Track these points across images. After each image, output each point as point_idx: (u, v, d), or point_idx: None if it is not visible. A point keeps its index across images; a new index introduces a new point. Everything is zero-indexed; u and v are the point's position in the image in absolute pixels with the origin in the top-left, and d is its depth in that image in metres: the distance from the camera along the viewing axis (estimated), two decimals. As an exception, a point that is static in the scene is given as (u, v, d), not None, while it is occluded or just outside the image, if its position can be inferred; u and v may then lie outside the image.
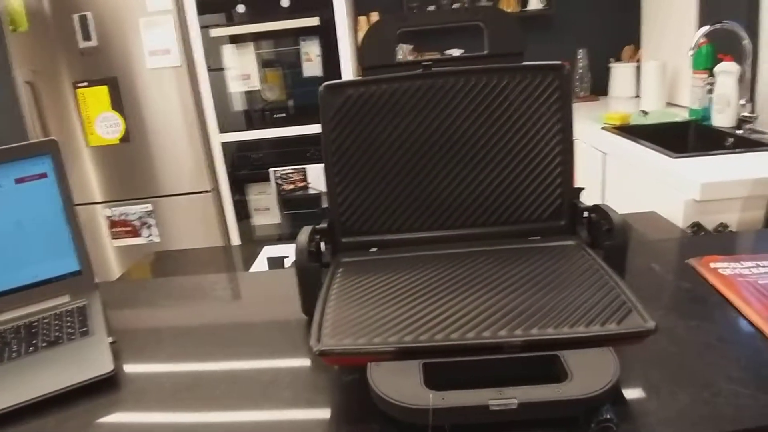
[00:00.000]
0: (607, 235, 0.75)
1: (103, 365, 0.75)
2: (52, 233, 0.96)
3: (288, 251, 1.43)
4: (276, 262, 1.32)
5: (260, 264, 1.40)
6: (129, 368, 0.77)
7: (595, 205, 0.80)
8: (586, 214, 0.83)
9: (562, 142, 0.81)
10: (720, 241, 1.05)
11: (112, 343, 0.80)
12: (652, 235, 1.47)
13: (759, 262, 0.92)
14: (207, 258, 1.61)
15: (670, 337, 0.73)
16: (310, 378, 0.70)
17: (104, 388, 0.72)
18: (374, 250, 0.83)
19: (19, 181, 0.93)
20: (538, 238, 0.82)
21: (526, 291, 0.66)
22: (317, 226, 0.81)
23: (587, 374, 0.52)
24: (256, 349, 0.79)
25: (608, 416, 0.48)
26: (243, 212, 2.67)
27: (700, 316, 0.80)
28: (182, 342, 0.83)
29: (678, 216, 1.67)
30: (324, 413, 0.64)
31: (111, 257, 2.71)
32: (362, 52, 0.80)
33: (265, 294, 1.00)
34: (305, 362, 0.73)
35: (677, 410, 0.60)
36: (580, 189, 0.84)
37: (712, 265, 0.91)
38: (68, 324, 0.86)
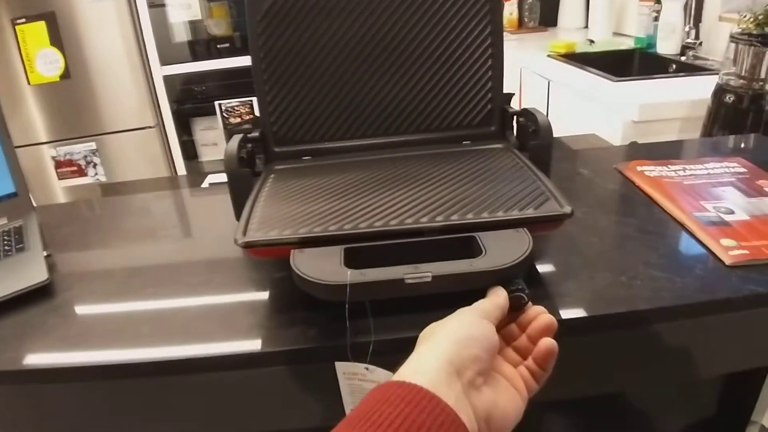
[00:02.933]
0: (533, 135, 0.77)
1: (38, 274, 0.74)
2: (-17, 155, 0.93)
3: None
4: (220, 188, 1.31)
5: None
6: (63, 278, 0.77)
7: (523, 109, 0.82)
8: (515, 119, 0.84)
9: (492, 46, 0.81)
10: (650, 149, 1.09)
11: (47, 257, 0.80)
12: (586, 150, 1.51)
13: (687, 166, 0.95)
14: (152, 187, 1.59)
15: (592, 231, 0.77)
16: (243, 274, 0.72)
17: (40, 297, 0.72)
18: (308, 158, 0.83)
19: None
20: (469, 143, 0.84)
21: (451, 186, 0.68)
22: (248, 135, 0.80)
23: (500, 251, 0.54)
24: (188, 249, 0.79)
25: (520, 286, 0.50)
26: (190, 151, 2.62)
27: (623, 212, 0.84)
28: (115, 252, 0.83)
29: (617, 137, 1.71)
30: (256, 304, 0.66)
31: (59, 198, 2.64)
32: (289, -47, 0.78)
33: (202, 208, 1.00)
34: (239, 259, 0.75)
35: (594, 291, 0.63)
36: (511, 95, 0.85)
37: (639, 168, 0.95)
38: (5, 242, 0.85)
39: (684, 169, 0.94)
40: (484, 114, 0.84)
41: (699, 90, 1.69)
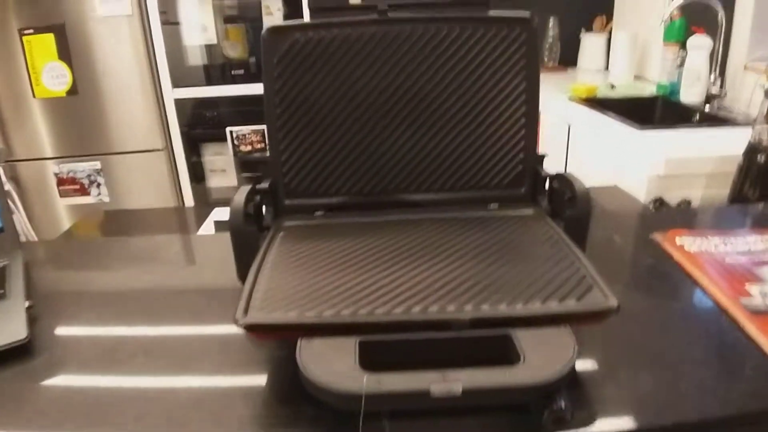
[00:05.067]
0: (569, 204, 0.70)
1: (17, 331, 0.67)
2: (-33, 186, 0.86)
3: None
4: (224, 226, 1.24)
5: (208, 227, 1.33)
6: (46, 335, 0.69)
7: (557, 173, 0.75)
8: (548, 182, 0.77)
9: (526, 103, 0.75)
10: (685, 216, 1.02)
11: (28, 308, 0.72)
12: (614, 209, 1.44)
13: (725, 239, 0.88)
14: (155, 219, 1.53)
15: (630, 315, 0.69)
16: (241, 349, 0.64)
17: (17, 356, 0.65)
18: (320, 213, 0.76)
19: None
20: (497, 206, 0.76)
21: (480, 262, 0.61)
22: (257, 186, 0.73)
23: (541, 357, 0.46)
24: (184, 315, 0.72)
25: (562, 405, 0.43)
26: (198, 173, 2.55)
27: (663, 293, 0.76)
28: (106, 308, 0.75)
29: (641, 190, 1.64)
30: (253, 391, 0.58)
31: (60, 216, 2.58)
32: (312, -7, 0.72)
33: (204, 258, 0.92)
34: (237, 332, 0.67)
35: (637, 397, 0.56)
36: (544, 156, 0.78)
37: (678, 240, 0.87)
38: (-17, 287, 0.78)
39: (724, 243, 0.87)
40: (514, 175, 0.77)
41: (726, 144, 1.62)
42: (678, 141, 1.73)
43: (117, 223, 1.47)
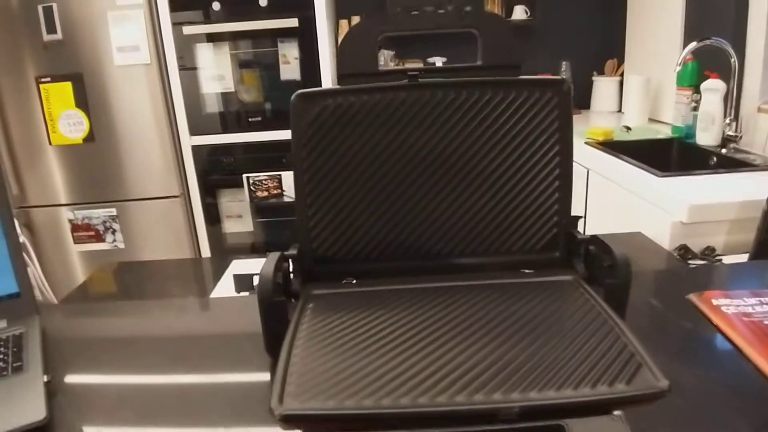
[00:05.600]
0: (609, 272, 0.68)
1: (35, 411, 0.65)
2: (-13, 250, 0.85)
3: (257, 267, 1.33)
4: (243, 282, 1.22)
5: (226, 281, 1.31)
6: (65, 414, 0.67)
7: (593, 237, 0.73)
8: (583, 244, 0.75)
9: (560, 166, 0.73)
10: (717, 273, 0.99)
11: (47, 383, 0.70)
12: (640, 259, 1.41)
13: (762, 299, 0.86)
14: (172, 272, 1.51)
15: (676, 388, 0.66)
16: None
17: (34, 437, 0.62)
18: (349, 280, 0.74)
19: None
20: (532, 271, 0.74)
21: (522, 339, 0.58)
22: (286, 253, 0.72)
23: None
24: (207, 402, 0.69)
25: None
26: (214, 218, 2.55)
27: (707, 362, 0.73)
28: (127, 389, 0.73)
29: (664, 237, 1.62)
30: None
31: (74, 262, 2.57)
32: (340, 58, 0.71)
33: (227, 326, 0.89)
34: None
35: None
36: (578, 217, 0.77)
37: (714, 302, 0.85)
38: (1, 356, 0.76)
39: (761, 303, 0.84)
40: (548, 239, 0.75)
41: (748, 189, 1.61)
42: (700, 187, 1.71)
43: (133, 275, 1.45)
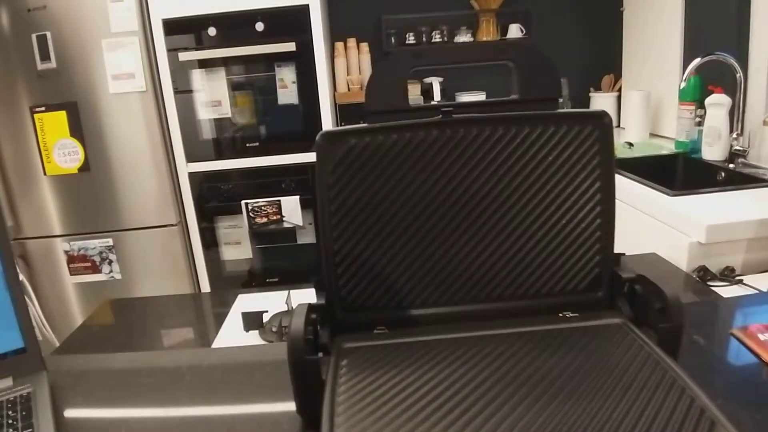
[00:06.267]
0: (661, 315, 0.63)
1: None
2: (-11, 304, 0.80)
3: (265, 303, 1.28)
4: (253, 320, 1.17)
5: (234, 319, 1.25)
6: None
7: (639, 275, 0.69)
8: (628, 284, 0.70)
9: (601, 203, 0.69)
10: (751, 302, 0.95)
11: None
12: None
13: (808, 331, 0.82)
14: (172, 310, 1.45)
15: (739, 439, 0.61)
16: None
17: None
18: (381, 329, 0.69)
19: (-54, 241, 0.77)
20: (576, 315, 0.70)
21: (579, 396, 0.54)
22: (313, 303, 0.67)
23: None
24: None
25: None
26: (212, 246, 2.49)
27: (763, 405, 0.68)
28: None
29: (680, 257, 1.58)
30: None
31: (70, 294, 2.50)
32: (368, 94, 0.67)
33: (249, 382, 0.82)
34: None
35: None
36: (621, 255, 0.72)
37: (761, 336, 0.81)
38: (9, 420, 0.70)
39: (808, 334, 0.80)
40: (591, 279, 0.71)
41: (762, 206, 1.58)
42: (714, 206, 1.68)
43: (136, 315, 1.39)
